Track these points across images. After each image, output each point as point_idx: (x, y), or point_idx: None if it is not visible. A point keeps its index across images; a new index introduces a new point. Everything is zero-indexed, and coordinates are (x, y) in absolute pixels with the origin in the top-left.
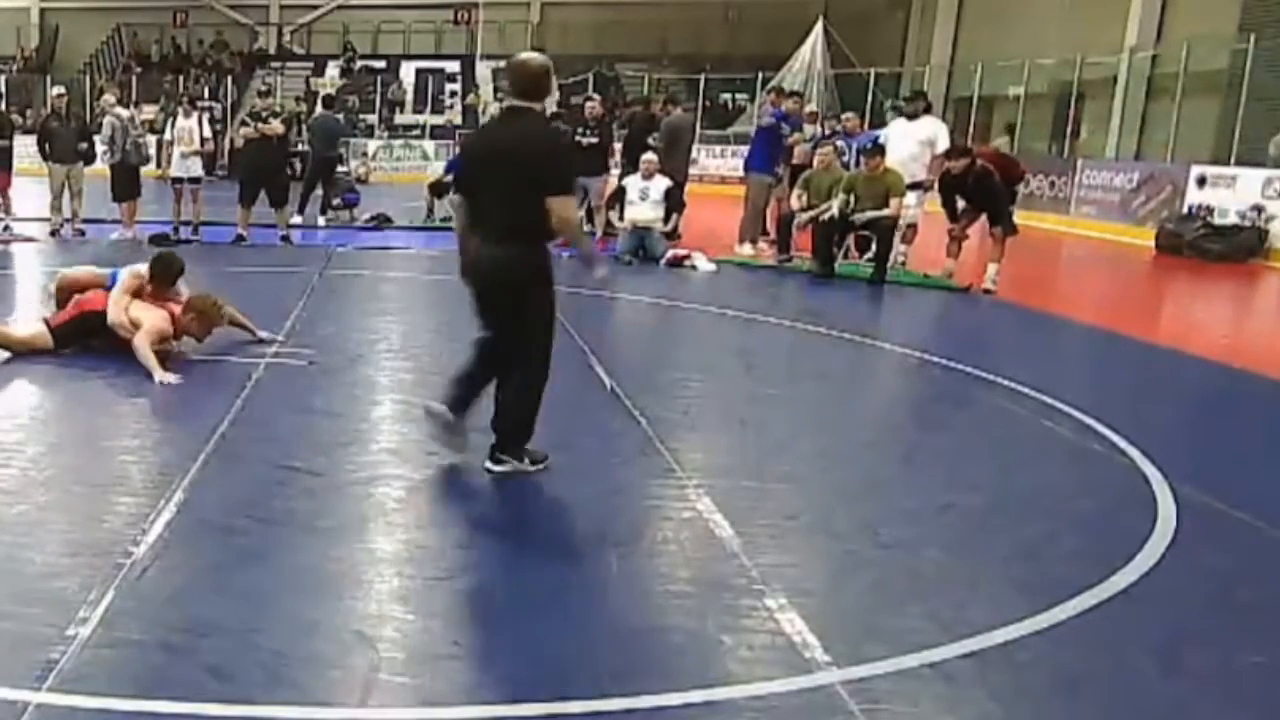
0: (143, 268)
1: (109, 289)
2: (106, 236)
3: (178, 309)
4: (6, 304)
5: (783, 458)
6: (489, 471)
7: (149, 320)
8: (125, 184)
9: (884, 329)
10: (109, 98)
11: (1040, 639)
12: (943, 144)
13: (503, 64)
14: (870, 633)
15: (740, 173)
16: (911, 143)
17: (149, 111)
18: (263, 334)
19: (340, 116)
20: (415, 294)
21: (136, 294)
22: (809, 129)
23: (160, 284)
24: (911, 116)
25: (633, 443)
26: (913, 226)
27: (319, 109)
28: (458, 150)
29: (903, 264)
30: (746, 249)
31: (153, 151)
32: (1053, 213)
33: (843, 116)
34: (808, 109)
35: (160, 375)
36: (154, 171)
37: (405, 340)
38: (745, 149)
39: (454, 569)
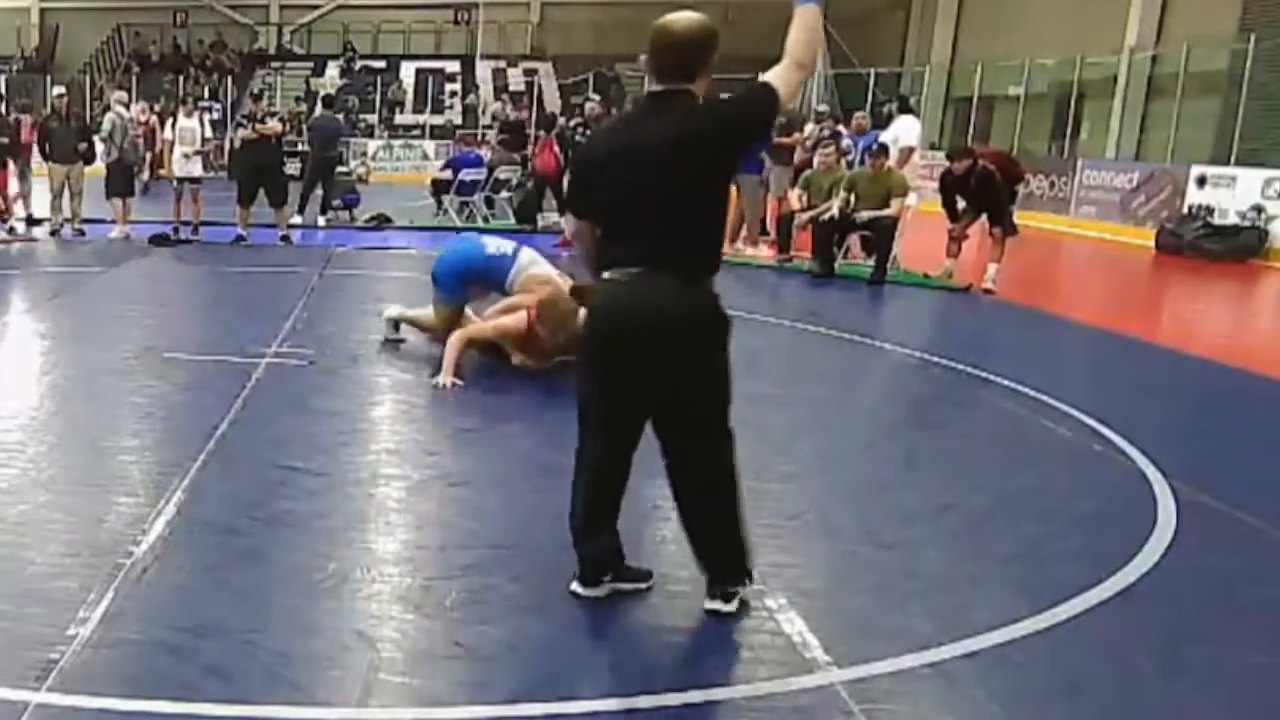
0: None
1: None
2: (105, 236)
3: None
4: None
5: (783, 458)
6: (718, 614)
7: (506, 320)
8: (120, 181)
9: (884, 329)
10: (121, 94)
11: (1040, 639)
12: (904, 140)
13: (503, 64)
14: (870, 633)
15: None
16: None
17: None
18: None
19: (340, 116)
20: (415, 294)
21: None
22: (809, 127)
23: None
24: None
25: None
26: None
27: (319, 109)
28: (574, 159)
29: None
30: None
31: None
32: (1053, 213)
33: (855, 115)
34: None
35: (445, 378)
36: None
37: (405, 340)
38: None
39: (454, 569)
